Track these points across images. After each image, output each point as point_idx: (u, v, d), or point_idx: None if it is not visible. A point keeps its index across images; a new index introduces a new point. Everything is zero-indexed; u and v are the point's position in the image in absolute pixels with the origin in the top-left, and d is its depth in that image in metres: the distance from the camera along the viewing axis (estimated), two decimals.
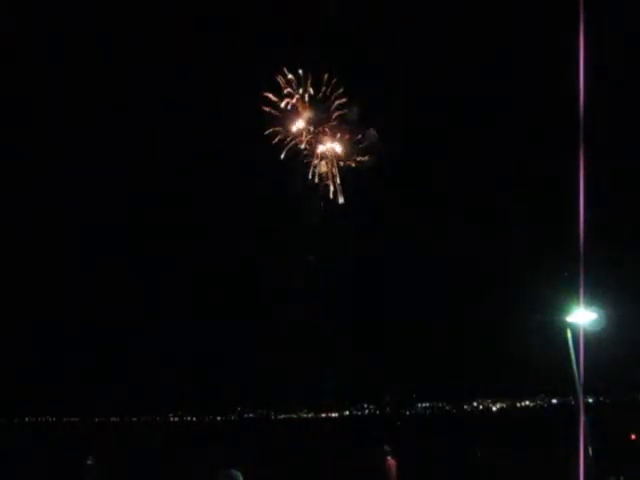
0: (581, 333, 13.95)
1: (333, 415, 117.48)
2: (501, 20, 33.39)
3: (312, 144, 23.90)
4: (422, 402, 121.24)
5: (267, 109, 23.10)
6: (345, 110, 23.27)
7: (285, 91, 23.13)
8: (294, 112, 23.31)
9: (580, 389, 14.12)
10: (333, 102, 23.28)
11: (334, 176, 23.82)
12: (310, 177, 23.99)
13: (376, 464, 15.61)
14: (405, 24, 30.01)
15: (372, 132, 18.91)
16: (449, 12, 32.25)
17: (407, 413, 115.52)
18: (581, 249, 13.64)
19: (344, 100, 23.22)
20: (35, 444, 54.23)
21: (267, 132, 23.40)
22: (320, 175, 23.78)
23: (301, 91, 23.07)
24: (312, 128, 23.61)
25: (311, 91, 23.14)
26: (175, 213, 45.31)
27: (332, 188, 24.05)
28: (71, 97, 39.12)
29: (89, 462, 16.26)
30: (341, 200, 24.16)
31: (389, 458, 15.37)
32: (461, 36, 33.07)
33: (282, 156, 23.78)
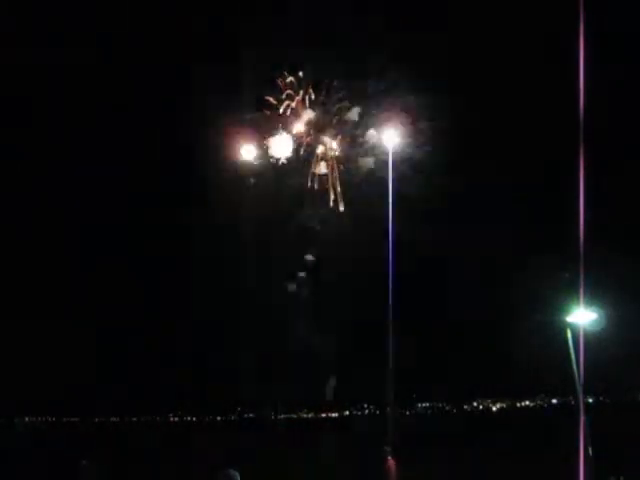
0: (581, 333, 13.95)
1: (333, 415, 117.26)
2: (501, 20, 33.42)
3: (311, 145, 23.50)
4: (422, 402, 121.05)
5: (267, 112, 22.74)
6: (346, 112, 22.91)
7: (285, 94, 22.87)
8: (294, 114, 22.99)
9: (580, 389, 14.13)
10: (334, 105, 22.99)
11: (334, 180, 23.23)
12: (310, 182, 23.42)
13: (376, 464, 15.52)
14: (405, 25, 30.01)
15: (373, 132, 18.52)
16: (449, 12, 32.30)
17: (407, 413, 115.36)
18: (581, 249, 13.65)
19: (345, 103, 22.90)
20: (35, 444, 54.19)
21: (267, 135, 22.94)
22: (319, 176, 23.30)
23: (302, 93, 22.83)
24: (312, 130, 23.25)
25: (312, 94, 22.89)
26: (174, 213, 45.33)
27: (332, 195, 23.39)
28: (71, 97, 39.14)
29: (84, 462, 16.22)
30: (342, 207, 23.46)
31: (389, 458, 15.28)
32: (461, 35, 33.10)
33: (282, 160, 23.33)
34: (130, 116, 36.64)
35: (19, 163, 43.14)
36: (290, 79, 22.94)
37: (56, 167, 43.76)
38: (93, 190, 43.20)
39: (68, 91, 38.61)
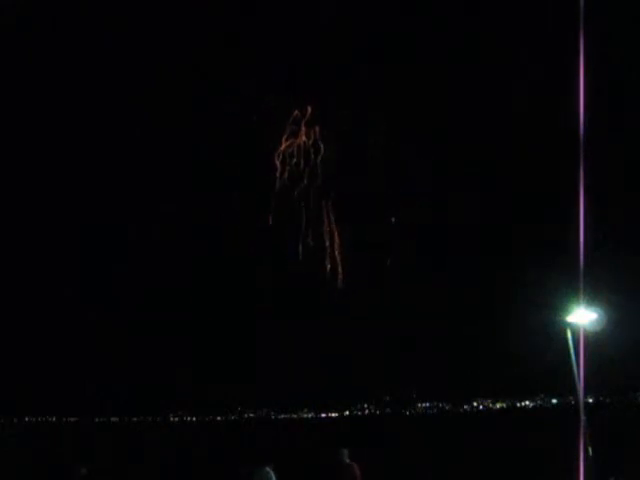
0: (581, 333, 13.94)
1: (333, 415, 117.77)
2: (501, 25, 33.48)
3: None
4: (422, 402, 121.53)
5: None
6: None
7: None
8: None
9: (580, 389, 14.12)
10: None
11: (334, 251, 19.78)
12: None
13: (337, 467, 14.87)
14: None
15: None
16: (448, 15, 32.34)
17: (407, 413, 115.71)
18: (581, 249, 13.66)
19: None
20: (35, 444, 54.27)
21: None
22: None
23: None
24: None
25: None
26: (175, 214, 45.52)
27: (329, 266, 19.86)
28: (71, 98, 39.24)
29: (76, 465, 16.08)
30: (340, 283, 19.90)
31: (347, 461, 14.65)
32: (460, 37, 33.13)
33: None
34: None
35: (19, 163, 43.26)
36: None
37: (56, 167, 43.88)
38: None
39: (68, 91, 38.67)
